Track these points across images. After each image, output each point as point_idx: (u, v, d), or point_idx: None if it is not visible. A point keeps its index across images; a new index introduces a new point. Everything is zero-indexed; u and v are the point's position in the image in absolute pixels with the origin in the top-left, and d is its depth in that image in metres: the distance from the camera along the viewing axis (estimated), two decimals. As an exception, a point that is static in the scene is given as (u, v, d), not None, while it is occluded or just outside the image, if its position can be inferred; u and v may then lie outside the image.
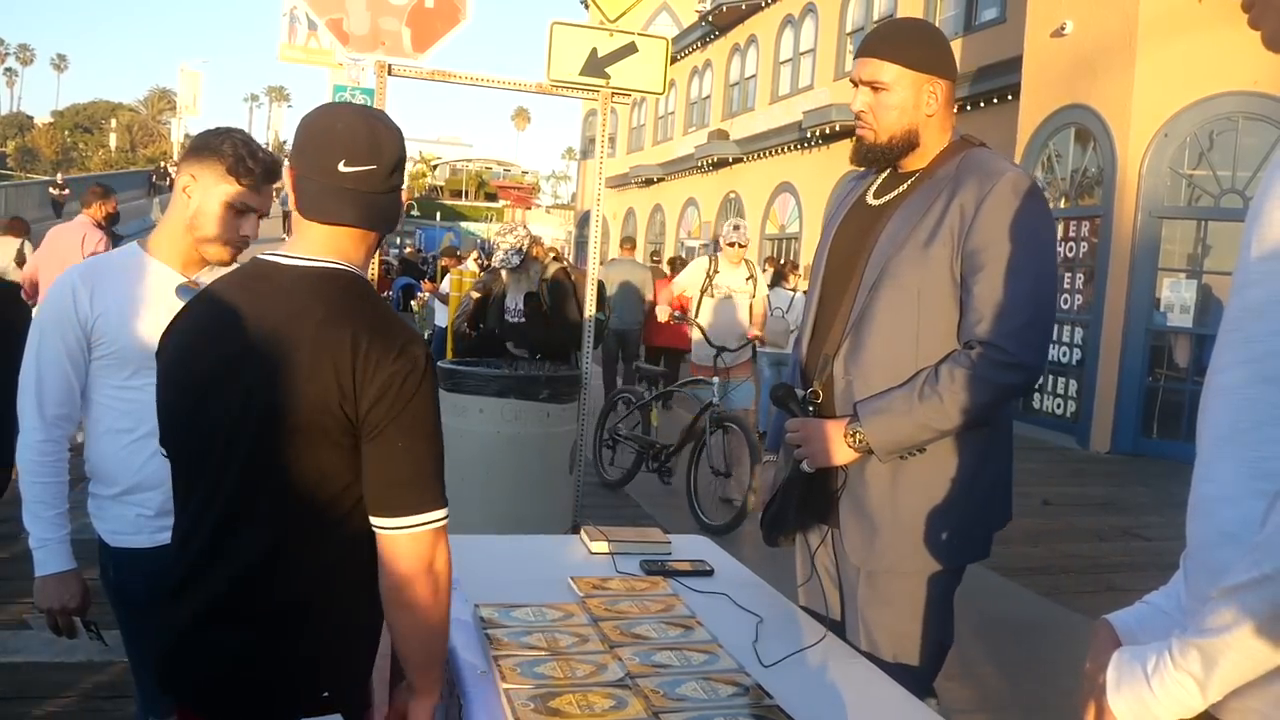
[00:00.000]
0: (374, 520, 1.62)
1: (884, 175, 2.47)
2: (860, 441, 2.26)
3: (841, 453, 2.30)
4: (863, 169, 2.52)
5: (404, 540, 1.62)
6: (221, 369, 1.62)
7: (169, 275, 2.34)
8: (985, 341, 2.19)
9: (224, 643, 1.66)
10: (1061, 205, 11.76)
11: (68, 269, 2.37)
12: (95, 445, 2.34)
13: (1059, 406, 11.73)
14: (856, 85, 2.38)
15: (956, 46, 11.21)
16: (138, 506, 2.27)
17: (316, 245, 1.68)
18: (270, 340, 1.60)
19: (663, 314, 7.62)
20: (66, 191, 37.45)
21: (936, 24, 16.78)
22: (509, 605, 2.20)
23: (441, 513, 1.64)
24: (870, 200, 2.46)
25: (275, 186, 2.43)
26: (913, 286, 2.25)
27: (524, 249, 6.43)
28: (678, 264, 15.83)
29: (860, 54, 2.38)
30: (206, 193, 2.30)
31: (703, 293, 7.91)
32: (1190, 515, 1.27)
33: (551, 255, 6.83)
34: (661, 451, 7.41)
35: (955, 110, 2.39)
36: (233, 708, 1.67)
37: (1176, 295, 10.96)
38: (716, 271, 7.91)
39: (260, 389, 1.59)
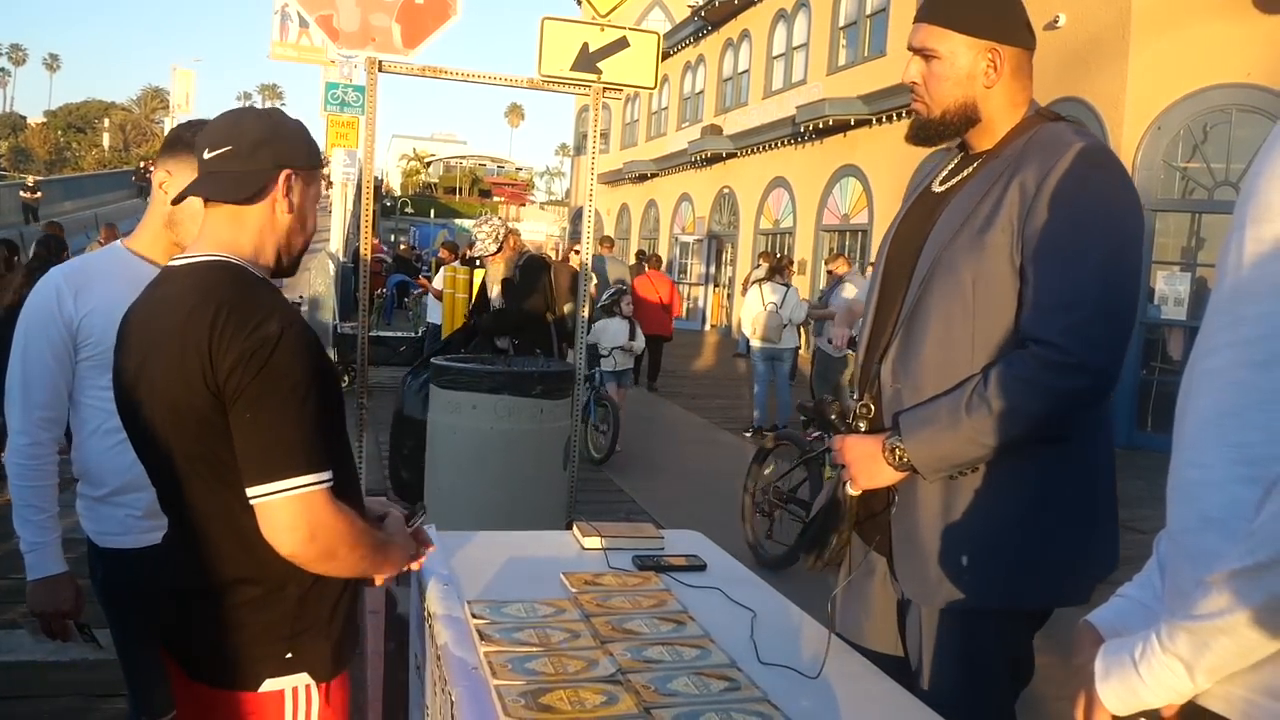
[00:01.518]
0: (246, 491, 1.67)
1: (955, 159, 2.21)
2: (902, 459, 1.99)
3: (884, 472, 2.03)
4: (930, 149, 2.27)
5: (270, 508, 1.65)
6: (136, 370, 1.77)
7: (153, 272, 2.32)
8: (1040, 339, 1.88)
9: (185, 614, 1.81)
10: (1111, 151, 11.75)
11: (51, 270, 2.36)
12: (83, 446, 2.33)
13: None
14: (911, 53, 2.12)
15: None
16: (126, 508, 2.26)
17: (202, 240, 1.81)
18: (161, 337, 1.73)
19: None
20: (39, 195, 33.05)
21: (929, 18, 16.78)
22: (499, 601, 2.20)
23: (307, 478, 1.66)
24: (935, 187, 2.19)
25: None
26: (968, 279, 1.96)
27: (500, 236, 6.69)
28: (650, 258, 15.89)
29: (917, 19, 2.11)
30: (181, 181, 2.29)
31: None
32: (1171, 498, 1.26)
33: (528, 248, 7.16)
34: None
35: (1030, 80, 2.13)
36: (204, 671, 1.80)
37: (1171, 288, 10.97)
38: None
39: (157, 382, 1.72)
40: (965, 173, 2.12)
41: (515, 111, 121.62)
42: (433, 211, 62.01)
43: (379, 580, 1.94)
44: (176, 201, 1.92)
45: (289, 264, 1.88)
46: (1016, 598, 2.03)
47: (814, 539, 2.28)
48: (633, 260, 16.13)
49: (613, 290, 9.57)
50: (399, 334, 13.51)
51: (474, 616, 2.10)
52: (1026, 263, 1.92)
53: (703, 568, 2.61)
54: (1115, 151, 8.23)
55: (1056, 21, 11.65)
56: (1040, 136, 2.03)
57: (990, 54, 2.05)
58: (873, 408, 2.14)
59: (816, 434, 5.59)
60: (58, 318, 2.25)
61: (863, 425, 2.15)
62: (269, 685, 1.75)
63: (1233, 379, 1.14)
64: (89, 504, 2.34)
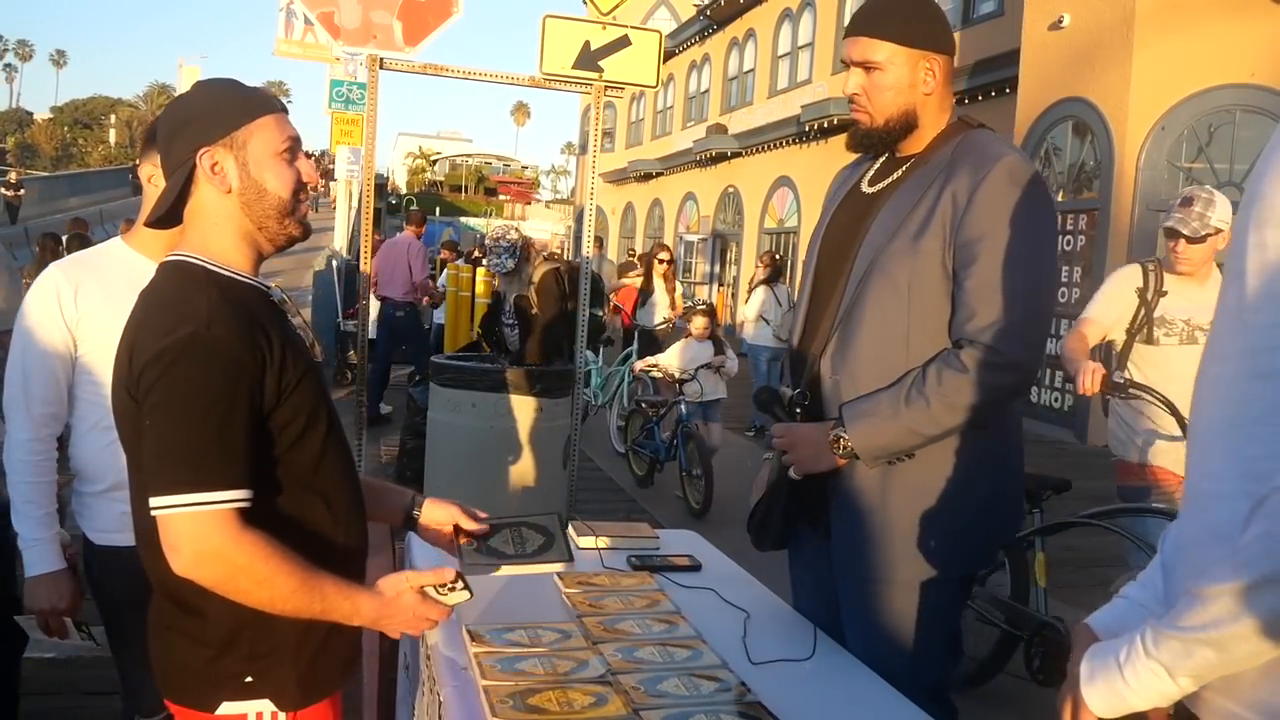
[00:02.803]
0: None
1: (881, 160, 2.33)
2: (845, 448, 2.14)
3: (827, 459, 2.18)
4: (859, 155, 2.40)
5: (161, 523, 1.53)
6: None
7: (150, 268, 2.33)
8: (975, 340, 2.05)
9: (152, 624, 1.74)
10: (1059, 198, 11.73)
11: (50, 266, 2.37)
12: (80, 442, 2.33)
13: (1056, 400, 11.72)
14: (848, 66, 2.23)
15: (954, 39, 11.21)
16: (122, 504, 2.25)
17: (180, 240, 1.74)
18: (120, 339, 1.68)
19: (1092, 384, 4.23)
20: (21, 192, 29.45)
21: (934, 17, 16.76)
22: (494, 603, 2.19)
23: (197, 496, 1.51)
24: (865, 188, 2.32)
25: None
26: (903, 281, 2.11)
27: (518, 252, 6.10)
28: (630, 263, 15.89)
29: (850, 32, 2.23)
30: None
31: (1133, 335, 4.06)
32: (1185, 505, 1.26)
33: (543, 255, 6.35)
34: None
35: (954, 88, 2.26)
36: (163, 685, 1.72)
37: (1174, 289, 10.93)
38: (1162, 293, 3.99)
39: (112, 383, 1.68)
40: (895, 175, 2.25)
41: (521, 110, 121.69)
42: (438, 209, 62.01)
43: (395, 633, 1.75)
44: (150, 224, 1.80)
45: (271, 235, 1.73)
46: (949, 566, 2.20)
47: (764, 520, 2.40)
48: (625, 259, 16.29)
49: (693, 302, 8.79)
50: (402, 331, 13.50)
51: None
52: (959, 268, 2.08)
53: (698, 568, 2.61)
54: (1118, 154, 8.10)
55: (1061, 22, 11.61)
56: (968, 143, 2.17)
57: (927, 62, 2.19)
58: (809, 396, 2.29)
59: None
60: (58, 315, 2.26)
61: (798, 412, 2.31)
62: (227, 708, 1.65)
63: (1240, 390, 1.12)
64: (85, 500, 2.34)
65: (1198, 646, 1.07)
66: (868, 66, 2.19)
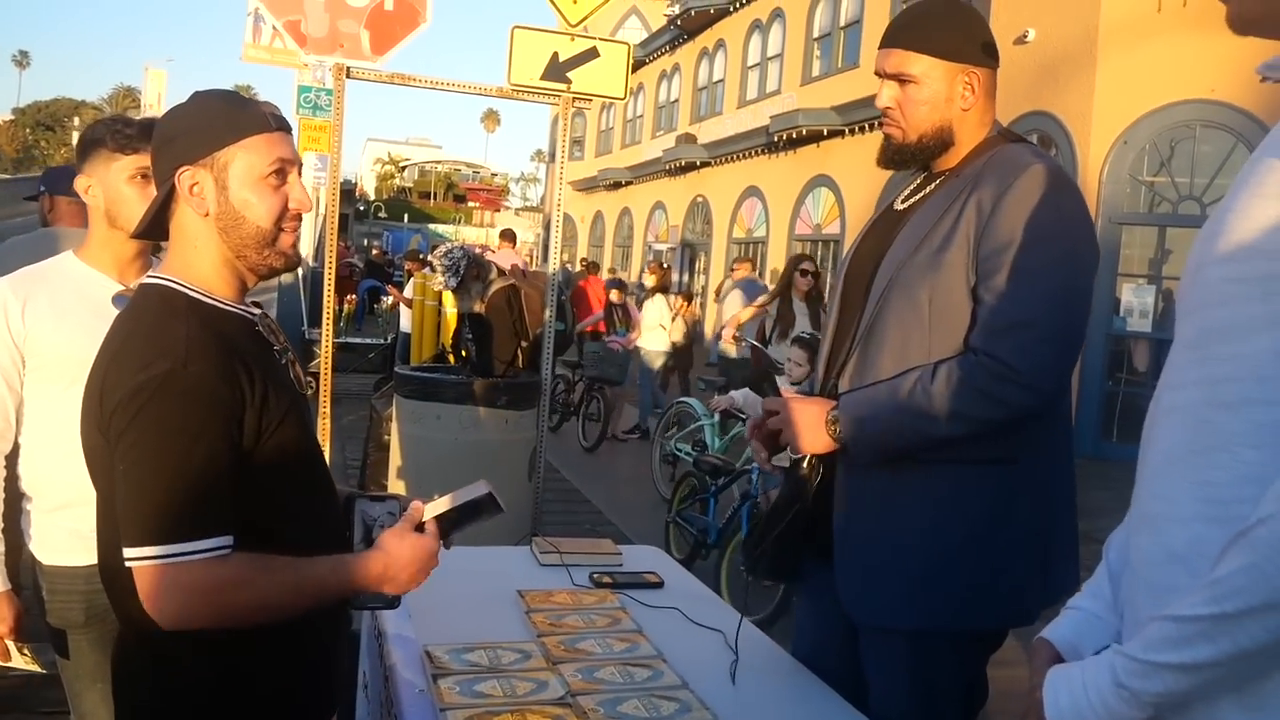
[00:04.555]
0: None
1: (919, 177, 2.21)
2: (837, 432, 2.01)
3: (821, 439, 2.03)
4: (894, 171, 2.27)
5: (138, 575, 1.44)
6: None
7: (104, 283, 2.29)
8: (989, 352, 1.91)
9: (117, 671, 1.65)
10: (1066, 174, 11.85)
11: None
12: (29, 459, 2.28)
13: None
14: (882, 78, 2.10)
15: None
16: (72, 522, 2.21)
17: (164, 261, 1.65)
18: (93, 364, 1.58)
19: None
20: None
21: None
22: (453, 623, 2.18)
23: (172, 548, 1.42)
24: (897, 205, 2.20)
25: None
26: (923, 296, 1.97)
27: (461, 269, 6.08)
28: (591, 265, 15.92)
29: (884, 44, 2.09)
30: (106, 181, 2.28)
31: None
32: (1134, 529, 1.27)
33: (496, 272, 6.26)
34: None
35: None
36: None
37: (1137, 300, 11.07)
38: None
39: (81, 413, 1.58)
40: (926, 190, 2.13)
41: (491, 117, 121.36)
42: (406, 216, 61.74)
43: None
44: (135, 236, 1.75)
45: (251, 264, 1.62)
46: (967, 619, 2.01)
47: (757, 544, 2.28)
48: (578, 269, 16.56)
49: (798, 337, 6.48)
50: (368, 340, 13.43)
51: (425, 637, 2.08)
52: (980, 281, 1.94)
53: (660, 585, 2.60)
54: (1081, 167, 8.18)
55: (1025, 36, 11.73)
56: (1000, 156, 2.04)
57: (967, 76, 2.06)
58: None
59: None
60: (4, 330, 2.21)
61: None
62: None
63: (1201, 417, 1.14)
64: (33, 518, 2.30)
65: (1170, 674, 1.08)
66: (902, 79, 2.07)
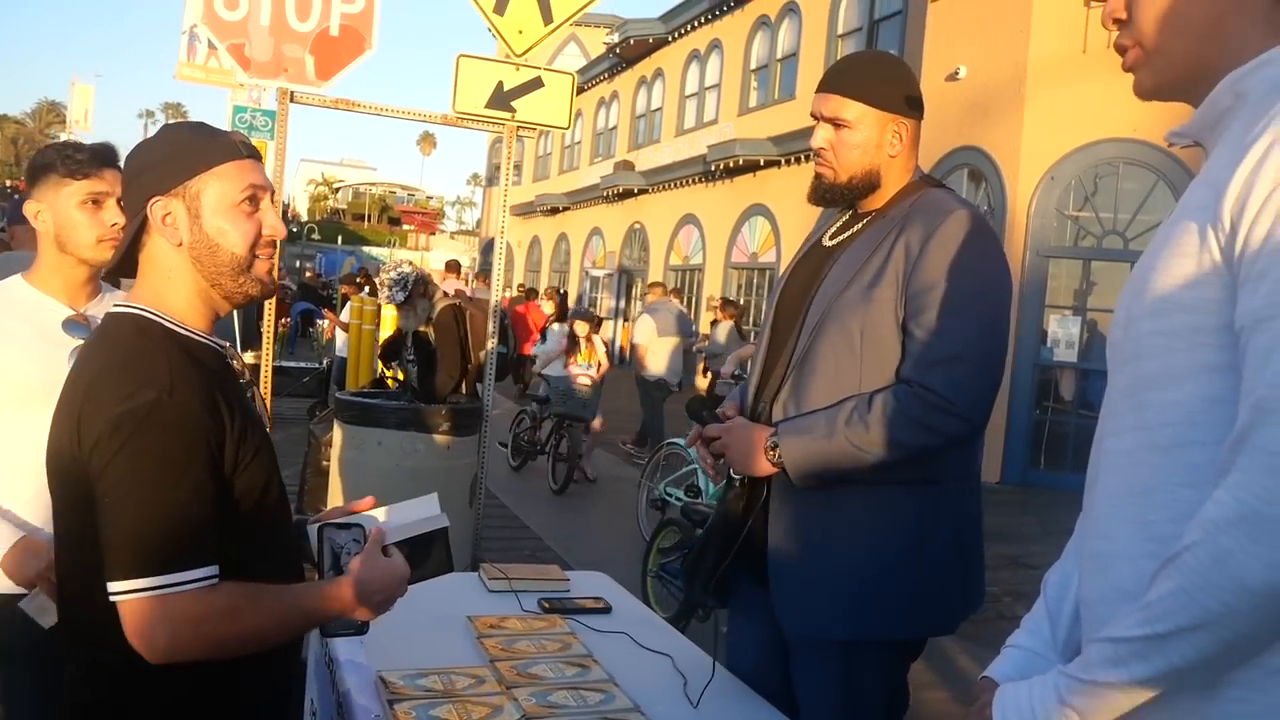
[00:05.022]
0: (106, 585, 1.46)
1: (845, 215, 2.35)
2: (777, 457, 2.12)
3: (760, 464, 2.15)
4: (823, 209, 2.42)
5: (125, 608, 1.43)
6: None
7: (53, 308, 2.28)
8: (922, 384, 2.04)
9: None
10: (987, 219, 12.14)
11: None
12: None
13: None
14: (817, 120, 2.24)
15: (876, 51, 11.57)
16: None
17: (134, 288, 1.64)
18: (62, 393, 1.57)
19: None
20: None
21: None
22: (405, 647, 2.19)
23: (147, 581, 1.41)
24: (826, 241, 2.34)
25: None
26: (855, 329, 2.11)
27: (410, 285, 6.15)
28: (528, 291, 15.99)
29: (823, 88, 2.24)
30: (56, 206, 2.27)
31: None
32: (1084, 569, 1.34)
33: (442, 293, 6.38)
34: None
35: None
36: None
37: (1063, 331, 11.39)
38: None
39: (49, 439, 1.57)
40: (854, 229, 2.27)
41: (427, 140, 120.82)
42: (340, 238, 61.11)
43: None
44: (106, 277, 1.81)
45: (228, 292, 1.62)
46: (898, 629, 2.14)
47: (695, 563, 2.36)
48: (514, 293, 16.77)
49: None
50: (302, 364, 13.28)
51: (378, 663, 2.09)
52: (909, 317, 2.08)
53: (608, 610, 2.63)
54: (1010, 201, 8.43)
55: (957, 74, 12.06)
56: (925, 200, 2.19)
57: (896, 125, 2.21)
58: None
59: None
60: None
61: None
62: None
63: (1138, 460, 1.23)
64: None
65: (1110, 692, 1.15)
66: (838, 124, 2.21)
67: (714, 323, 13.53)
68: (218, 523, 1.49)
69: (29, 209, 2.30)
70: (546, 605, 2.60)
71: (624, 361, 21.95)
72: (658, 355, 10.47)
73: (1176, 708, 1.14)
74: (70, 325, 2.24)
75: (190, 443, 1.46)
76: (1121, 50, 1.34)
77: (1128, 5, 1.30)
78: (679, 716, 2.01)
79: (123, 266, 1.64)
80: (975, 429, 2.11)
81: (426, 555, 1.79)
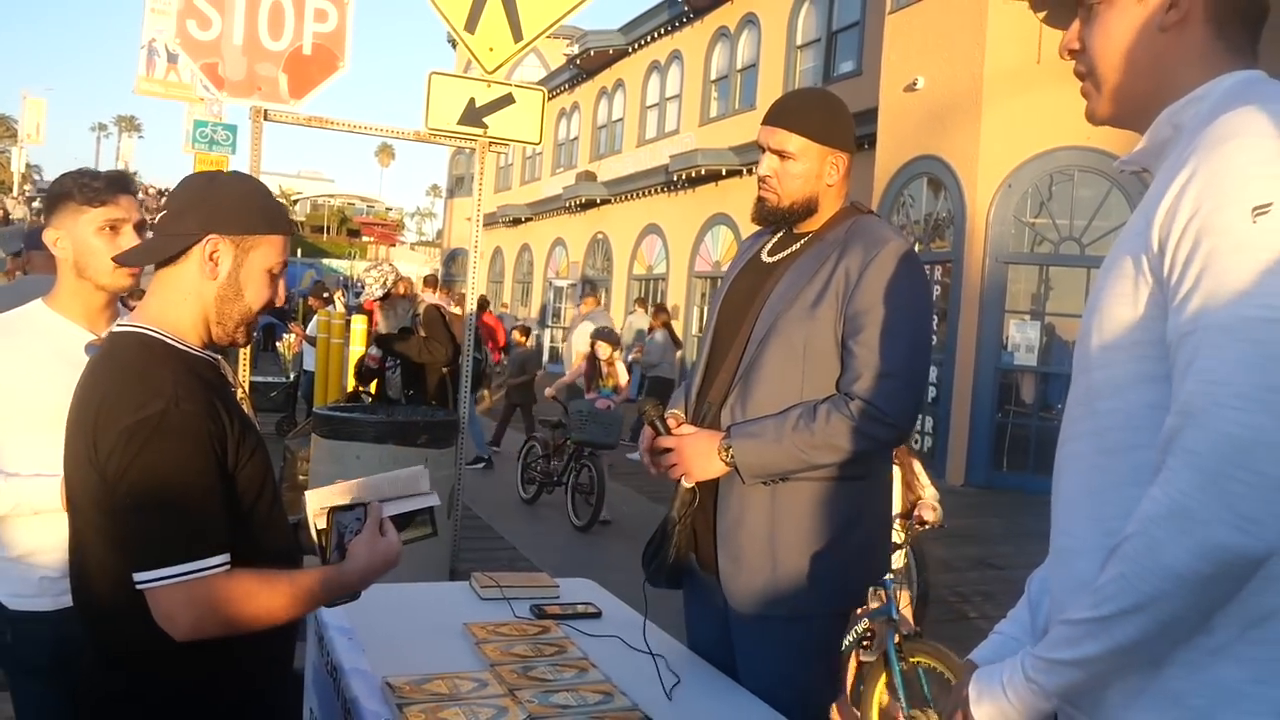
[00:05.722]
0: (133, 576, 1.63)
1: (780, 234, 2.58)
2: (730, 458, 2.33)
3: (715, 466, 2.36)
4: (761, 228, 2.64)
5: (154, 595, 1.62)
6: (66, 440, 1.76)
7: (76, 333, 2.33)
8: (860, 397, 2.29)
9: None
10: (915, 248, 12.33)
11: None
12: None
13: (916, 442, 12.22)
14: (763, 150, 2.47)
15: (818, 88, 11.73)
16: (42, 568, 2.23)
17: (139, 308, 1.81)
18: (72, 410, 1.74)
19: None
20: None
21: (796, 74, 17.45)
22: (407, 655, 2.26)
23: (170, 570, 1.60)
24: (765, 257, 2.57)
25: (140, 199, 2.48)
26: (799, 343, 2.35)
27: (388, 284, 6.49)
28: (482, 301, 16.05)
29: (768, 121, 2.46)
30: (74, 233, 2.34)
31: None
32: (1051, 562, 1.49)
33: (418, 294, 6.81)
34: None
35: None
36: None
37: (1022, 335, 11.61)
38: None
39: (66, 454, 1.74)
40: (793, 248, 2.51)
41: (386, 151, 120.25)
42: (299, 251, 60.67)
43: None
44: (119, 261, 1.97)
45: (222, 334, 1.81)
46: (832, 602, 2.42)
47: (656, 554, 2.56)
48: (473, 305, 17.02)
49: None
50: (269, 379, 13.21)
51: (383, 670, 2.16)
52: (849, 336, 2.34)
53: (598, 615, 2.71)
54: (969, 208, 8.61)
55: (915, 84, 12.27)
56: (860, 227, 2.45)
57: (834, 158, 2.46)
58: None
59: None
60: None
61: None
62: None
63: (1092, 463, 1.37)
64: (2, 565, 2.30)
65: (1067, 669, 1.28)
66: (782, 154, 2.44)
67: (650, 330, 13.53)
68: (226, 515, 1.68)
69: (48, 236, 2.37)
70: (540, 611, 2.68)
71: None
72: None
73: (1126, 685, 1.28)
74: (93, 349, 2.30)
75: (198, 445, 1.65)
76: (1079, 75, 1.47)
77: (1081, 37, 1.44)
78: (677, 715, 2.10)
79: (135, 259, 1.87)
80: (903, 436, 2.41)
81: (415, 521, 2.02)
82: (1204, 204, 1.19)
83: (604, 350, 8.89)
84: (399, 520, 1.96)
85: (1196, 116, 1.31)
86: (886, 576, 3.61)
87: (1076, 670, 1.27)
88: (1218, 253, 1.17)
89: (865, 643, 4.15)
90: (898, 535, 4.17)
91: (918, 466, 4.44)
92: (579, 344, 10.42)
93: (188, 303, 1.77)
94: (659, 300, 20.20)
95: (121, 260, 1.93)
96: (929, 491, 4.40)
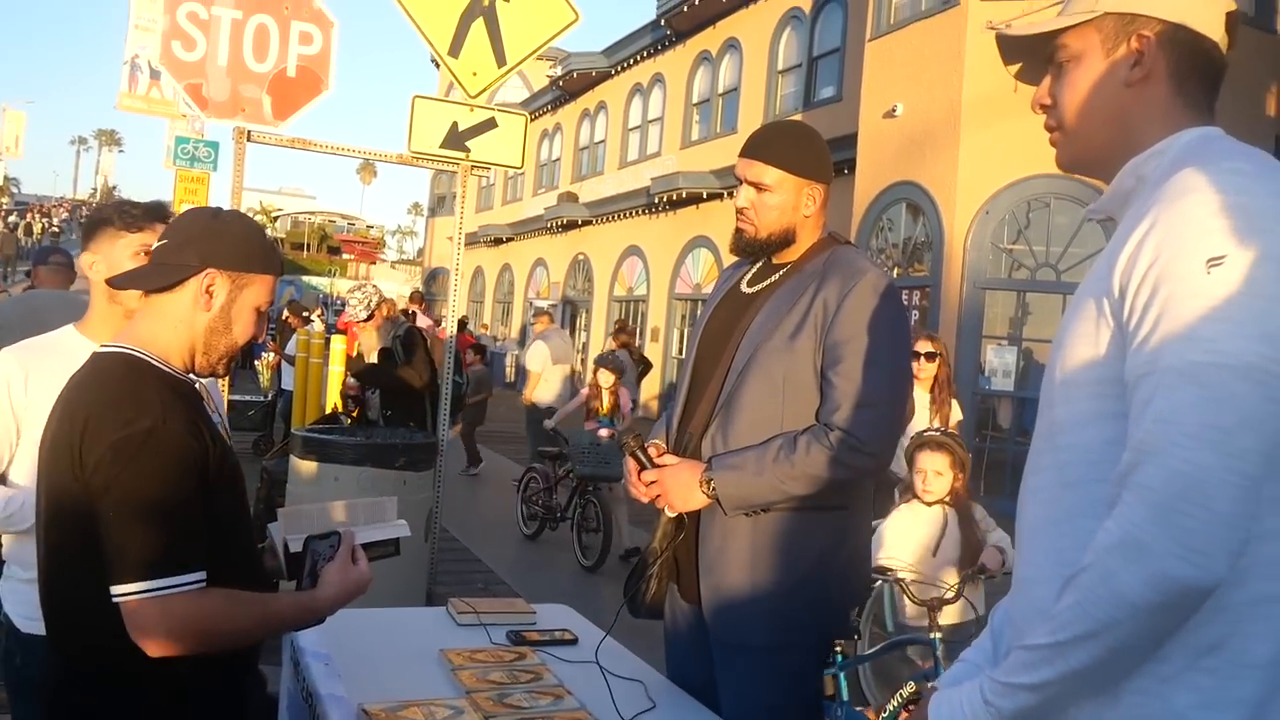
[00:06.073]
0: (110, 589, 1.66)
1: (759, 264, 2.60)
2: (712, 490, 2.34)
3: (696, 498, 2.37)
4: (739, 259, 2.66)
5: (131, 609, 1.64)
6: (42, 454, 1.81)
7: None
8: (840, 427, 2.30)
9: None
10: (895, 275, 12.44)
11: (3, 351, 2.40)
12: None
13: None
14: (741, 182, 2.49)
15: (795, 119, 11.82)
16: None
17: (125, 330, 1.88)
18: (51, 424, 1.78)
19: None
20: None
21: (777, 99, 17.59)
22: (383, 681, 2.26)
23: (148, 584, 1.63)
24: (744, 288, 2.59)
25: None
26: (778, 374, 2.37)
27: (372, 305, 6.53)
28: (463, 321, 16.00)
29: (745, 154, 2.49)
30: (110, 257, 2.40)
31: None
32: (1013, 591, 1.54)
33: (402, 313, 6.90)
34: None
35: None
36: None
37: (1000, 360, 11.71)
38: None
39: (43, 468, 1.78)
40: (772, 279, 2.53)
41: (368, 169, 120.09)
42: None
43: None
44: (112, 284, 2.01)
45: (205, 364, 1.87)
46: (811, 633, 2.42)
47: (636, 581, 2.58)
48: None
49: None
50: (246, 398, 13.14)
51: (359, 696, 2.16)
52: (828, 366, 2.36)
53: (574, 641, 2.72)
54: (947, 234, 8.71)
55: (894, 111, 12.40)
56: (837, 257, 2.46)
57: (810, 189, 2.48)
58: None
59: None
60: (6, 400, 2.27)
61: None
62: None
63: (1053, 495, 1.42)
64: (14, 586, 2.31)
65: (1023, 693, 1.32)
66: (759, 187, 2.46)
67: (613, 351, 13.39)
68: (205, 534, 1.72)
69: (84, 260, 2.45)
70: (516, 637, 2.69)
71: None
72: (550, 382, 10.59)
73: (1081, 712, 1.32)
74: None
75: (182, 464, 1.69)
76: (1049, 129, 1.55)
77: (1052, 93, 1.53)
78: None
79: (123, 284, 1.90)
80: (882, 465, 2.42)
81: (381, 546, 2.09)
82: (1163, 253, 1.25)
83: (606, 379, 8.40)
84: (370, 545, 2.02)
85: (1158, 169, 1.38)
86: (933, 635, 3.17)
87: (1032, 694, 1.30)
88: (1174, 299, 1.23)
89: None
90: (950, 583, 3.64)
91: (979, 511, 4.03)
92: (533, 364, 10.42)
93: (178, 331, 1.83)
94: (639, 322, 20.25)
95: (116, 283, 1.95)
96: (994, 535, 3.92)
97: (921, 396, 5.57)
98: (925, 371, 5.61)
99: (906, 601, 3.70)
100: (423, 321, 8.68)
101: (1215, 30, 1.44)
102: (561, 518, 8.27)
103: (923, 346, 5.65)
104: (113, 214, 2.45)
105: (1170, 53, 1.42)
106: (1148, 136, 1.43)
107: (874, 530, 2.65)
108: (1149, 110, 1.44)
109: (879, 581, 3.78)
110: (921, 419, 5.44)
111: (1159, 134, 1.42)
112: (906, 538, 4.00)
